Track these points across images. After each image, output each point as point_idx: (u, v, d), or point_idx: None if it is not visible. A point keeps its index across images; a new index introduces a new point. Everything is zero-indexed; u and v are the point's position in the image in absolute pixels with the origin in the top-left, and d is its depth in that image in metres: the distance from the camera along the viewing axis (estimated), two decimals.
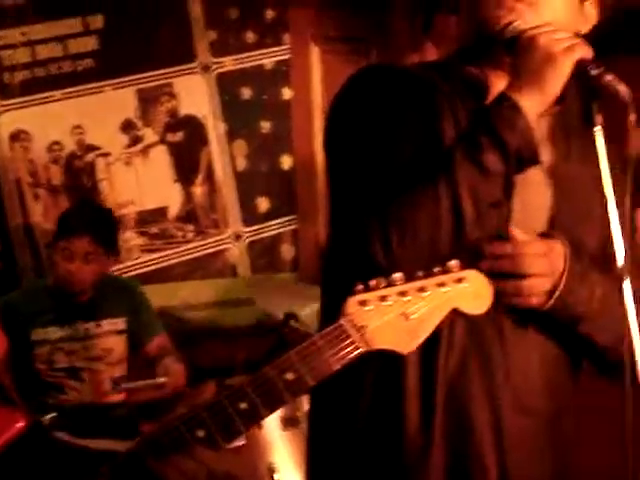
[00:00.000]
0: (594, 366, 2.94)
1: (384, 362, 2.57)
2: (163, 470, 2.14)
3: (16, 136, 6.67)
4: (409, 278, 2.25)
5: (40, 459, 2.18)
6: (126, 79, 6.95)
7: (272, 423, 5.00)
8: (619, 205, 2.39)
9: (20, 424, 2.05)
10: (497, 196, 2.59)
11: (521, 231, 2.69)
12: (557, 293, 2.69)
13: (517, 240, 2.67)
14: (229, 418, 2.19)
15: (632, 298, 2.36)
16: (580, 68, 2.48)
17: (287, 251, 7.35)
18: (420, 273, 2.28)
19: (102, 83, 6.89)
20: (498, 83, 2.72)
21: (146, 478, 2.15)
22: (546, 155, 2.75)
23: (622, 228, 2.39)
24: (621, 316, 2.53)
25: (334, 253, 2.93)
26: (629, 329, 2.35)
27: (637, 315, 2.40)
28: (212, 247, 7.24)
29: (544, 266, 2.69)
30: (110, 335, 5.96)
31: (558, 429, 2.89)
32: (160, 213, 7.09)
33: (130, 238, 6.82)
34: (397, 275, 2.26)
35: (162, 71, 7.06)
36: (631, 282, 2.40)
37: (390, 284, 2.25)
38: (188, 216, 7.17)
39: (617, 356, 2.63)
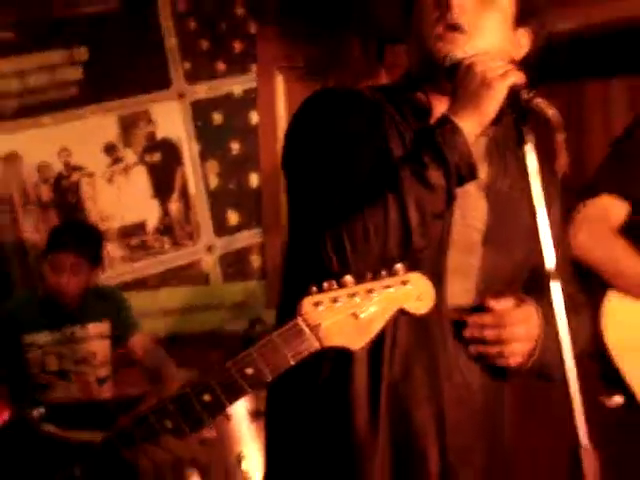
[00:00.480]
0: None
1: (335, 358, 2.60)
2: (134, 458, 2.11)
3: (8, 158, 6.73)
4: (358, 280, 2.24)
5: (22, 448, 2.18)
6: (108, 105, 7.01)
7: (241, 416, 4.99)
8: (549, 216, 2.39)
9: (5, 414, 2.12)
10: (440, 208, 2.60)
11: (495, 301, 2.72)
12: (536, 355, 2.75)
13: (497, 310, 2.71)
14: (194, 409, 2.15)
15: (564, 301, 2.36)
16: (513, 92, 2.50)
17: (255, 260, 7.40)
18: (368, 276, 2.26)
19: (86, 109, 6.95)
20: (440, 106, 2.74)
21: (119, 466, 2.11)
22: (483, 172, 2.77)
23: (552, 236, 2.38)
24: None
25: (292, 260, 2.93)
26: (560, 328, 2.35)
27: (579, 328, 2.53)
28: (187, 257, 7.28)
29: (523, 332, 2.72)
30: (95, 339, 6.05)
31: (493, 418, 2.92)
32: (139, 227, 7.14)
33: (112, 249, 6.87)
34: (347, 278, 2.24)
35: (141, 98, 7.12)
36: (565, 286, 2.42)
37: (341, 286, 2.23)
38: (165, 229, 7.20)
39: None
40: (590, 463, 2.29)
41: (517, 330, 2.72)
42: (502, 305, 2.71)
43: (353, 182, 2.67)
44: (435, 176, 2.54)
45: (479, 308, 2.77)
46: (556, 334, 2.44)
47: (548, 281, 2.37)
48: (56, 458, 2.13)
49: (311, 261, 2.61)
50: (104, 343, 6.07)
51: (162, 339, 6.66)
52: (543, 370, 2.80)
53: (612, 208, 3.90)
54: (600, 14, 7.04)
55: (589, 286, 3.73)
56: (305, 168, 2.84)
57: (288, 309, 2.31)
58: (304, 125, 2.92)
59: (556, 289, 2.35)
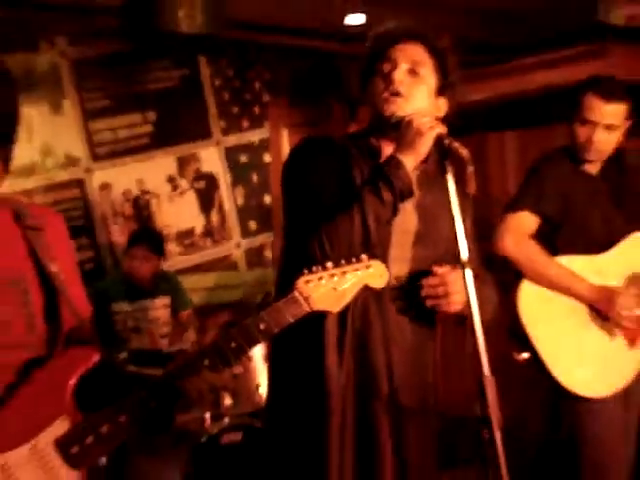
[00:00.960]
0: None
1: (315, 318, 2.48)
2: (183, 385, 2.10)
3: (102, 186, 6.68)
4: (336, 265, 2.27)
5: (110, 382, 2.17)
6: (169, 150, 7.01)
7: (258, 357, 4.95)
8: (463, 223, 2.39)
9: (96, 356, 2.08)
10: (388, 217, 2.65)
11: (438, 266, 2.74)
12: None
13: (441, 273, 2.72)
14: (225, 353, 2.13)
15: (474, 279, 2.38)
16: (438, 139, 2.52)
17: (268, 254, 7.42)
18: (343, 262, 2.29)
19: (155, 153, 6.93)
20: (387, 148, 2.75)
21: (173, 391, 2.10)
22: (416, 193, 2.74)
23: (466, 237, 2.38)
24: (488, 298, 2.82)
25: (286, 255, 2.90)
26: (470, 301, 2.35)
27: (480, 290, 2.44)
28: (222, 252, 7.30)
29: (460, 286, 2.61)
30: (160, 308, 6.08)
31: (423, 357, 2.90)
32: (190, 232, 7.11)
33: (172, 247, 6.86)
34: (328, 264, 2.27)
35: (192, 145, 7.11)
36: (475, 268, 2.46)
37: (324, 269, 2.25)
38: (207, 233, 7.19)
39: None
40: (491, 387, 2.28)
41: (456, 285, 2.69)
42: (443, 269, 2.71)
43: (326, 201, 2.70)
44: (386, 195, 2.60)
45: (414, 278, 2.79)
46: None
47: (463, 264, 2.36)
48: (132, 387, 2.09)
49: (302, 253, 2.60)
50: (166, 311, 6.10)
51: (206, 307, 6.63)
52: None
53: (527, 220, 3.83)
54: (497, 89, 7.08)
55: (509, 274, 3.80)
56: (296, 192, 2.86)
57: (284, 286, 2.30)
58: (294, 161, 2.91)
59: (468, 273, 2.35)
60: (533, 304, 3.76)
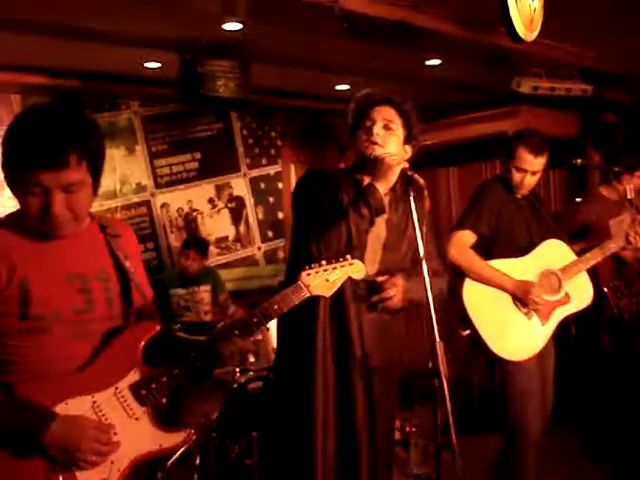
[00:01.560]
0: None
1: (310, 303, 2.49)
2: (220, 349, 2.11)
3: (163, 205, 6.68)
4: (328, 263, 2.28)
5: (168, 345, 2.17)
6: (210, 180, 6.97)
7: (273, 329, 4.90)
8: (421, 233, 2.43)
9: (158, 327, 2.10)
10: (366, 227, 2.65)
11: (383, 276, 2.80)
12: (405, 300, 2.82)
13: (387, 280, 2.78)
14: (248, 325, 2.13)
15: (432, 271, 2.44)
16: (403, 171, 2.59)
17: (281, 254, 7.36)
18: (333, 261, 2.30)
19: (200, 182, 6.89)
20: (366, 179, 2.75)
21: (212, 352, 2.11)
22: (386, 212, 2.77)
23: (422, 241, 2.42)
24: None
25: (292, 255, 2.90)
26: (428, 293, 2.37)
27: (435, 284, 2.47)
28: (248, 253, 7.24)
29: (402, 288, 2.78)
30: (204, 292, 6.04)
31: (388, 329, 2.90)
32: (225, 238, 7.04)
33: (212, 249, 6.82)
34: (323, 262, 2.28)
35: (226, 176, 7.05)
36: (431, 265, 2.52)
37: (320, 266, 2.26)
38: (237, 239, 7.11)
39: None
40: (440, 351, 2.30)
41: (399, 288, 2.78)
42: (382, 279, 2.80)
43: (322, 215, 2.70)
44: (364, 211, 2.62)
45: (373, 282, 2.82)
46: (418, 286, 2.55)
47: (421, 262, 2.39)
48: (184, 350, 2.11)
49: (304, 254, 2.59)
50: (208, 294, 6.07)
51: (236, 292, 6.61)
52: (413, 304, 2.82)
53: (467, 237, 3.80)
54: (443, 136, 7.08)
55: (457, 275, 3.79)
56: (302, 210, 2.87)
57: (291, 277, 2.31)
58: (300, 188, 2.93)
59: (425, 266, 2.37)
60: (473, 295, 3.75)
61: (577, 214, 4.75)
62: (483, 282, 3.74)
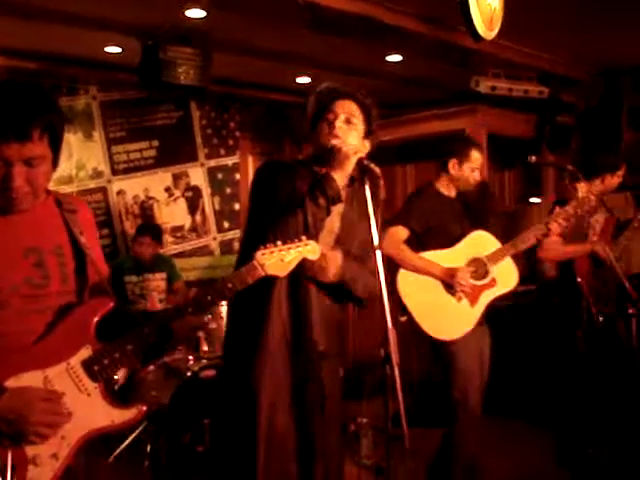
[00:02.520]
0: (354, 304, 2.97)
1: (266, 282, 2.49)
2: (173, 326, 2.11)
3: (119, 192, 6.64)
4: (284, 243, 2.24)
5: (121, 322, 2.15)
6: (167, 169, 6.94)
7: (226, 317, 4.92)
8: (376, 223, 2.40)
9: (112, 303, 2.09)
10: (323, 216, 2.62)
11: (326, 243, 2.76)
12: (339, 275, 2.79)
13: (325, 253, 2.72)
14: (202, 303, 2.11)
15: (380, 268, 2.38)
16: (359, 160, 2.56)
17: (236, 245, 7.31)
18: (289, 241, 2.27)
19: (157, 170, 6.86)
20: (322, 169, 2.72)
21: (166, 329, 2.10)
22: (341, 204, 2.76)
23: (377, 230, 2.39)
24: (364, 280, 2.81)
25: (246, 243, 2.83)
26: (381, 280, 2.34)
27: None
28: (203, 243, 7.21)
29: (338, 263, 2.77)
30: (159, 280, 6.01)
31: (332, 315, 2.90)
32: (181, 227, 7.03)
33: (167, 237, 6.82)
34: (279, 242, 2.24)
35: (184, 165, 7.03)
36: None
37: (275, 246, 2.23)
38: (193, 229, 7.10)
39: (364, 299, 2.89)
40: (392, 336, 2.29)
41: (335, 262, 2.78)
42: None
43: (278, 207, 2.67)
44: (322, 201, 2.59)
45: None
46: (351, 268, 2.77)
47: (375, 251, 2.36)
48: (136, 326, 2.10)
49: (260, 240, 2.44)
50: (163, 282, 6.02)
51: (190, 282, 6.59)
52: (346, 282, 2.81)
53: (400, 232, 4.06)
54: (400, 133, 7.12)
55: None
56: (258, 199, 2.86)
57: (244, 260, 2.28)
58: (258, 177, 2.90)
59: (379, 255, 2.35)
60: (406, 284, 4.00)
61: None
62: (415, 271, 4.00)
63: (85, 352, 2.01)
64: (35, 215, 2.02)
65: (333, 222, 2.84)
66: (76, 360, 1.99)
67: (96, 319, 2.04)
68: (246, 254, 2.36)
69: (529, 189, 7.17)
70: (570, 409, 4.57)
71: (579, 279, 4.22)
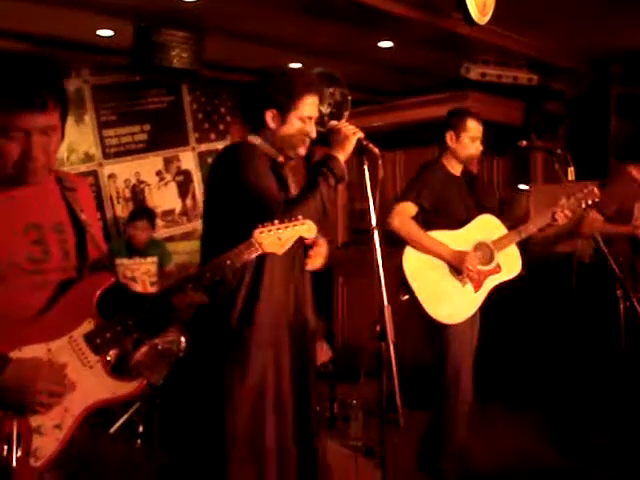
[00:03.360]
0: None
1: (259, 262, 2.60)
2: (173, 301, 2.11)
3: (110, 176, 6.67)
4: (280, 222, 2.25)
5: (122, 298, 2.17)
6: (159, 153, 6.96)
7: None
8: (373, 201, 2.46)
9: (113, 278, 2.10)
10: (334, 196, 2.65)
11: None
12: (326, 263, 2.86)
13: (316, 240, 2.78)
14: (202, 279, 2.14)
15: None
16: (359, 140, 2.60)
17: None
18: (286, 220, 2.27)
19: (148, 154, 6.89)
20: (321, 152, 2.74)
21: (166, 304, 2.11)
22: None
23: (374, 210, 2.45)
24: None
25: (213, 234, 2.88)
26: (378, 260, 2.40)
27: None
28: (194, 226, 7.18)
29: (326, 252, 2.85)
30: (150, 264, 5.98)
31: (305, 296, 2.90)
32: (172, 211, 7.06)
33: (159, 221, 6.80)
34: (276, 221, 2.25)
35: (174, 149, 7.05)
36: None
37: (272, 225, 2.24)
38: (184, 213, 7.12)
39: None
40: (388, 315, 2.34)
41: (323, 251, 2.84)
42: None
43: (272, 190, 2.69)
44: (332, 180, 2.60)
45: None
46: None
47: (373, 231, 2.41)
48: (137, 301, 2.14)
49: (262, 213, 2.43)
50: (154, 266, 5.98)
51: (181, 265, 6.59)
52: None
53: (409, 208, 4.00)
54: (390, 119, 7.13)
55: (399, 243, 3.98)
56: (219, 184, 2.79)
57: (229, 242, 2.26)
58: (218, 161, 2.86)
59: (376, 235, 2.40)
60: (412, 262, 3.95)
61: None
62: (422, 250, 3.95)
63: (88, 325, 2.03)
64: (36, 192, 2.04)
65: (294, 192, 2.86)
66: (79, 333, 2.02)
67: (98, 293, 2.06)
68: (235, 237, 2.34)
69: (518, 176, 7.20)
70: (563, 390, 4.58)
71: (611, 262, 4.17)
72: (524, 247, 4.15)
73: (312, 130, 2.81)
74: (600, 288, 4.07)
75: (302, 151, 2.84)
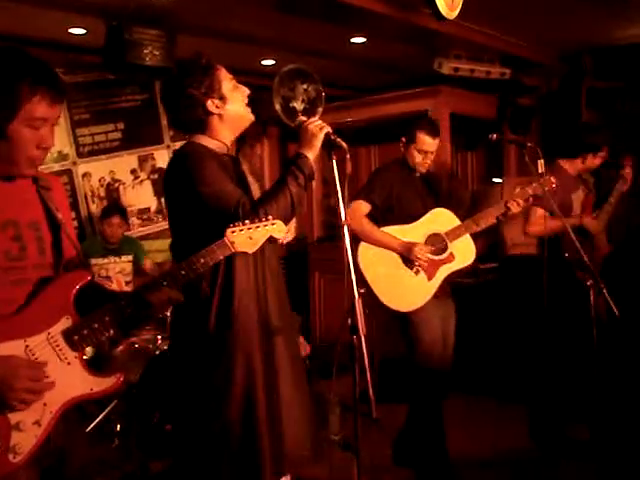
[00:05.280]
0: None
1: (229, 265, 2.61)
2: (149, 298, 2.15)
3: (84, 175, 6.65)
4: (252, 222, 2.29)
5: (97, 295, 2.19)
6: (133, 151, 6.96)
7: None
8: (342, 195, 2.42)
9: (89, 276, 2.14)
10: (304, 195, 2.64)
11: None
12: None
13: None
14: (176, 276, 2.18)
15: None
16: (326, 135, 2.59)
17: None
18: (257, 220, 2.31)
19: (122, 152, 6.88)
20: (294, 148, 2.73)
21: (142, 301, 2.15)
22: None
23: (344, 205, 2.42)
24: None
25: (176, 235, 2.80)
26: (348, 255, 2.39)
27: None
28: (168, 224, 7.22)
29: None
30: (125, 262, 5.99)
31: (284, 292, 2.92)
32: (147, 209, 7.05)
33: (133, 220, 6.85)
34: (247, 221, 2.29)
35: (149, 147, 7.05)
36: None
37: (244, 224, 2.28)
38: (159, 211, 7.09)
39: None
40: (359, 308, 2.35)
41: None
42: None
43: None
44: (301, 179, 2.60)
45: None
46: None
47: (343, 226, 2.40)
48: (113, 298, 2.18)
49: (225, 217, 2.43)
50: (129, 265, 6.01)
51: (157, 263, 6.59)
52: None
53: (361, 206, 4.23)
54: (364, 114, 7.18)
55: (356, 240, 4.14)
56: (178, 182, 2.70)
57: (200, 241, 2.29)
58: (172, 162, 2.81)
59: (346, 232, 2.39)
60: (366, 256, 4.18)
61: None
62: (374, 244, 4.17)
63: (65, 322, 2.07)
64: (13, 189, 2.08)
65: (253, 185, 2.95)
66: (56, 330, 2.06)
67: (75, 291, 2.10)
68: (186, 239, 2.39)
69: (491, 169, 7.29)
70: (542, 384, 4.64)
71: (566, 254, 4.29)
72: (487, 237, 4.26)
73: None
74: (571, 279, 4.15)
75: (251, 116, 2.86)
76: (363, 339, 2.34)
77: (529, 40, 6.38)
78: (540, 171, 3.85)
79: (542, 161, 3.82)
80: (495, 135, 4.06)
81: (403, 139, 4.26)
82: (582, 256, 3.58)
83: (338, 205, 2.43)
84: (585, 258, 3.59)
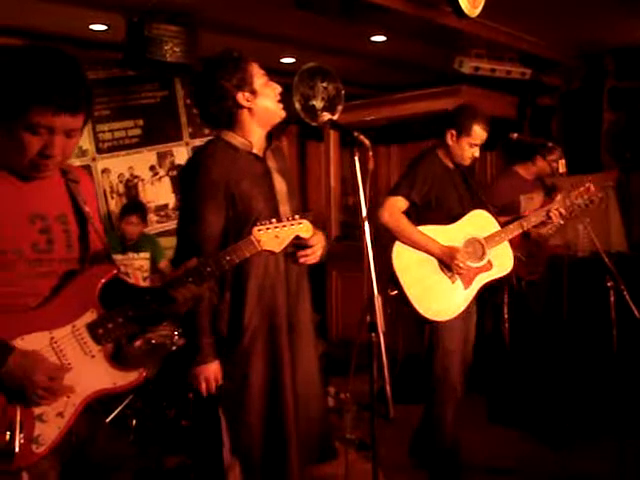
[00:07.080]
0: None
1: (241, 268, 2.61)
2: (174, 294, 2.13)
3: (104, 171, 6.71)
4: (279, 221, 2.32)
5: (122, 290, 2.20)
6: (152, 147, 7.00)
7: None
8: (364, 191, 2.42)
9: (115, 270, 2.16)
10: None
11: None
12: (325, 255, 2.84)
13: (313, 236, 2.66)
14: (202, 273, 2.18)
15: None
16: (350, 132, 2.52)
17: None
18: (284, 219, 2.35)
19: (142, 149, 6.94)
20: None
21: (167, 297, 2.14)
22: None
23: (365, 202, 2.42)
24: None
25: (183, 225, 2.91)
26: (368, 250, 2.38)
27: None
28: None
29: (323, 244, 2.82)
30: (143, 259, 6.02)
31: (300, 280, 2.91)
32: (165, 206, 7.08)
33: (152, 216, 6.87)
34: (274, 220, 2.32)
35: (168, 144, 7.09)
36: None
37: (270, 223, 2.30)
38: (176, 208, 7.15)
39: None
40: (378, 305, 2.35)
41: (318, 246, 2.80)
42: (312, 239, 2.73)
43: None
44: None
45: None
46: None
47: (364, 222, 2.40)
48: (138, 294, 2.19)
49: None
50: (146, 262, 6.03)
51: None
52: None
53: (400, 203, 4.00)
54: (383, 113, 7.17)
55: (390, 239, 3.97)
56: (189, 181, 2.81)
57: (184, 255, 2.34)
58: (191, 160, 2.92)
59: (366, 227, 2.39)
60: (402, 258, 3.93)
61: (497, 190, 5.02)
62: (412, 246, 3.93)
63: (90, 315, 2.09)
64: (42, 183, 2.10)
65: (279, 183, 2.86)
66: (81, 323, 2.08)
67: (100, 284, 2.11)
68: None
69: None
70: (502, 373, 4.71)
71: (602, 253, 4.26)
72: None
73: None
74: (591, 281, 4.13)
75: (282, 112, 2.90)
76: (382, 337, 2.34)
77: (550, 40, 6.37)
78: (561, 171, 3.84)
79: (563, 161, 3.81)
80: (515, 134, 4.03)
81: (453, 131, 4.01)
82: (602, 256, 3.58)
83: (359, 202, 2.44)
84: (605, 258, 3.58)
